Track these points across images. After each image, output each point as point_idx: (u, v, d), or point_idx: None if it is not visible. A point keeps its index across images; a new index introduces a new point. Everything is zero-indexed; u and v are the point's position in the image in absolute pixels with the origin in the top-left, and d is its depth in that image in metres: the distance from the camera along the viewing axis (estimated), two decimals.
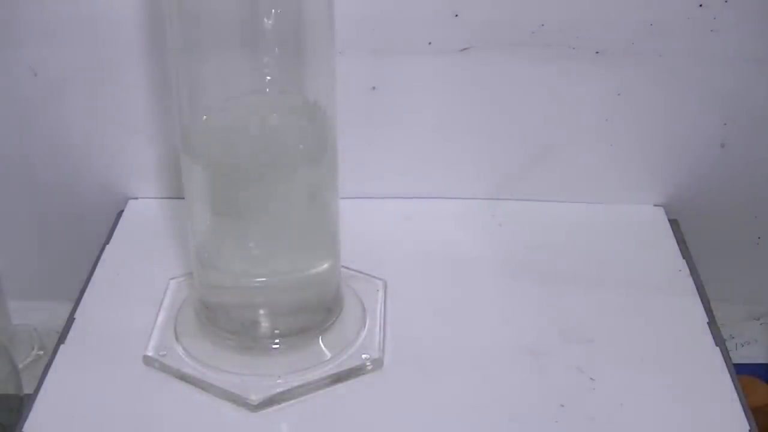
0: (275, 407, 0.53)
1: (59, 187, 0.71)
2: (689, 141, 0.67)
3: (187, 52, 0.50)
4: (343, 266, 0.59)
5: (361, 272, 0.62)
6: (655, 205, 0.70)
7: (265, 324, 0.57)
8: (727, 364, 0.56)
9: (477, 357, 0.57)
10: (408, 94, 0.66)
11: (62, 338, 0.58)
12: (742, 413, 0.53)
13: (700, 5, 0.62)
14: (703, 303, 0.61)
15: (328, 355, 0.56)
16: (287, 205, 0.53)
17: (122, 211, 0.70)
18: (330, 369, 0.55)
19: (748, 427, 0.52)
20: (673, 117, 0.66)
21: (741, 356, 0.75)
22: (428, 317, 0.60)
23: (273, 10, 0.48)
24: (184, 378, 0.55)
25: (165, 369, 0.56)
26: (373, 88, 0.66)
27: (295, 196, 0.53)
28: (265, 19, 0.48)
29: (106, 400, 0.54)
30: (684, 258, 0.65)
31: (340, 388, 0.55)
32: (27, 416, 0.53)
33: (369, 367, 0.56)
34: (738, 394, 0.54)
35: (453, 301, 0.61)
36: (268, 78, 0.50)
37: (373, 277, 0.62)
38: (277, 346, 0.56)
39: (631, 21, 0.63)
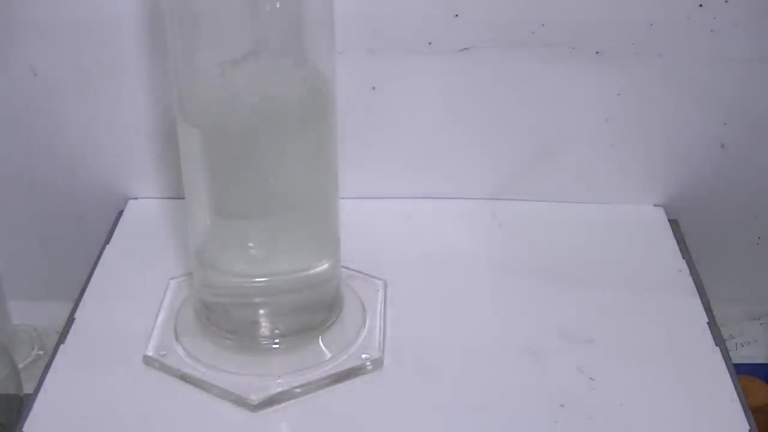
0: (275, 407, 0.53)
1: (59, 187, 0.71)
2: (689, 141, 0.67)
3: (183, 15, 0.49)
4: (343, 266, 0.59)
5: (361, 272, 0.62)
6: (655, 205, 0.70)
7: (265, 324, 0.57)
8: (727, 364, 0.56)
9: (477, 357, 0.57)
10: (408, 94, 0.66)
11: (62, 338, 0.58)
12: (742, 413, 0.53)
13: (700, 5, 0.62)
14: (703, 303, 0.61)
15: (328, 355, 0.56)
16: (285, 170, 0.52)
17: (122, 211, 0.70)
18: (330, 369, 0.55)
19: (748, 427, 0.52)
20: (673, 117, 0.66)
21: (741, 356, 0.75)
22: (428, 317, 0.60)
23: None
24: (184, 378, 0.55)
25: (165, 369, 0.56)
26: (373, 88, 0.66)
27: (294, 160, 0.52)
28: None
29: (106, 400, 0.54)
30: (684, 258, 0.65)
31: (340, 388, 0.55)
32: (27, 416, 0.53)
33: (369, 367, 0.56)
34: (738, 394, 0.54)
35: (453, 301, 0.61)
36: (266, 41, 0.50)
37: (373, 277, 0.62)
38: (277, 346, 0.56)
39: (631, 21, 0.63)
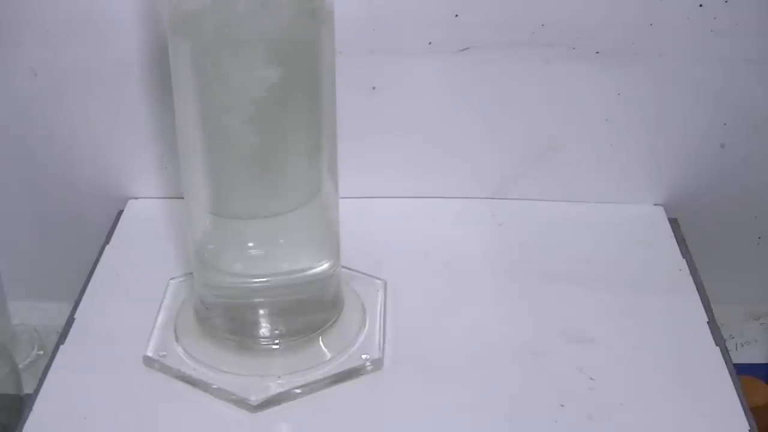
0: (275, 407, 0.53)
1: (59, 187, 0.71)
2: (689, 141, 0.67)
3: None
4: (343, 266, 0.59)
5: (361, 272, 0.62)
6: (655, 205, 0.70)
7: (265, 324, 0.57)
8: (727, 364, 0.56)
9: (477, 357, 0.57)
10: (408, 94, 0.66)
11: (62, 338, 0.58)
12: (742, 413, 0.53)
13: (700, 5, 0.62)
14: (703, 303, 0.61)
15: (328, 355, 0.56)
16: (275, 91, 0.50)
17: (122, 211, 0.70)
18: (330, 369, 0.55)
19: (748, 427, 0.52)
20: (673, 117, 0.66)
21: (741, 356, 0.75)
22: (428, 317, 0.60)
23: None
24: (184, 378, 0.55)
25: (165, 369, 0.56)
26: (373, 88, 0.66)
27: (285, 79, 0.50)
28: None
29: (106, 401, 0.54)
30: (684, 258, 0.65)
31: (340, 388, 0.55)
32: (27, 416, 0.53)
33: (369, 368, 0.56)
34: (738, 394, 0.54)
35: (453, 301, 0.61)
36: None
37: (373, 277, 0.62)
38: (277, 346, 0.56)
39: (631, 21, 0.63)
